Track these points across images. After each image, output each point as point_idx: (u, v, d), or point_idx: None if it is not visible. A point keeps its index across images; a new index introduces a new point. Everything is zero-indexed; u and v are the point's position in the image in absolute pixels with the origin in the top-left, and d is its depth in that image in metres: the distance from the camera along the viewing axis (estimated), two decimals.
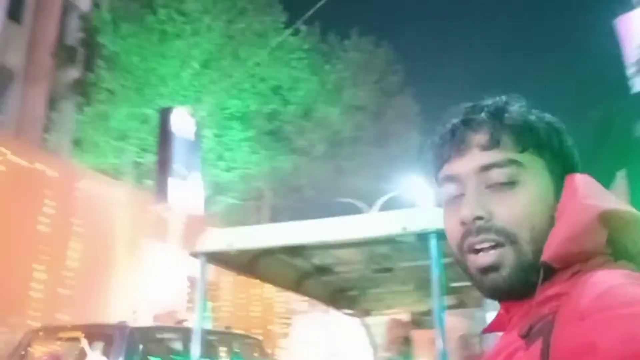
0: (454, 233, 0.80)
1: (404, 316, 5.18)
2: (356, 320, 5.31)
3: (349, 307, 5.04)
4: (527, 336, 0.69)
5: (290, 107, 15.35)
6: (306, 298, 15.07)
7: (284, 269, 3.93)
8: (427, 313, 5.14)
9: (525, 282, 0.74)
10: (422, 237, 2.57)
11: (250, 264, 3.56)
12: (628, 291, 0.60)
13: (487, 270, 0.76)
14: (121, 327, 5.31)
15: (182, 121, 11.71)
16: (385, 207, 17.36)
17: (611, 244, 0.72)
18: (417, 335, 4.50)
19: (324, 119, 16.05)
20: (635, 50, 16.51)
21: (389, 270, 4.21)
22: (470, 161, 0.80)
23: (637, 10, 17.19)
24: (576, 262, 0.71)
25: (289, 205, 16.72)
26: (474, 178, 0.79)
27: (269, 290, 14.24)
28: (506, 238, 0.75)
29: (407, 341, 4.28)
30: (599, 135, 14.20)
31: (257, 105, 14.76)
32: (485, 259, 0.76)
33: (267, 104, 14.96)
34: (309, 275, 4.30)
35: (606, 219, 0.71)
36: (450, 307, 5.51)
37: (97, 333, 5.55)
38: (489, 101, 0.84)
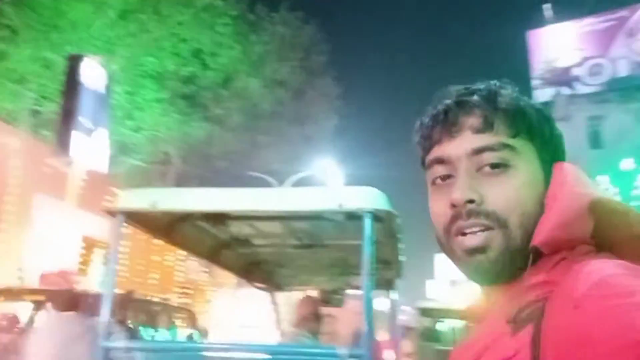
0: (442, 216, 0.78)
1: (314, 293, 5.24)
2: (267, 295, 5.29)
3: (261, 281, 5.01)
4: (515, 322, 0.68)
5: (209, 73, 14.86)
6: (206, 269, 14.88)
7: (203, 237, 3.80)
8: (337, 291, 5.25)
9: (511, 266, 0.74)
10: (358, 216, 2.57)
11: (169, 228, 3.39)
12: (624, 281, 0.60)
13: (474, 251, 0.75)
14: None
15: (92, 72, 10.91)
16: (295, 186, 17.44)
17: (594, 235, 0.73)
18: (328, 312, 4.56)
19: (244, 90, 15.73)
20: (541, 64, 17.80)
21: (307, 247, 4.21)
22: (462, 143, 0.78)
23: (548, 27, 18.51)
24: (563, 249, 0.72)
25: (198, 174, 16.26)
26: (466, 161, 0.77)
27: (169, 258, 13.84)
28: (496, 222, 0.74)
29: (316, 318, 4.30)
30: None
31: (175, 67, 14.14)
32: (473, 240, 0.74)
33: (186, 67, 14.37)
34: (226, 245, 4.20)
35: (594, 208, 0.71)
36: (354, 287, 5.68)
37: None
38: (481, 85, 0.83)
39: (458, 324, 10.37)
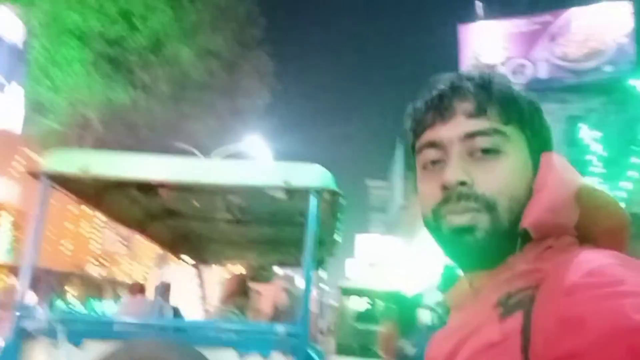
0: (432, 198, 0.79)
1: (242, 269, 5.19)
2: (193, 269, 5.17)
3: (189, 255, 4.89)
4: (503, 307, 0.69)
5: (138, 37, 14.10)
6: (125, 241, 14.32)
7: (134, 206, 3.63)
8: (265, 267, 5.23)
9: (497, 249, 0.75)
10: (303, 192, 2.55)
11: (99, 195, 3.20)
12: (614, 271, 0.62)
13: (461, 231, 0.76)
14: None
15: (9, 23, 10.05)
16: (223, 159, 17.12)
17: (578, 227, 0.75)
18: (256, 288, 4.53)
19: (174, 58, 15.09)
20: (469, 59, 18.47)
21: (240, 222, 4.15)
22: (455, 127, 0.79)
23: (479, 23, 19.20)
24: (550, 235, 0.74)
25: (119, 141, 15.51)
26: (458, 144, 0.78)
27: (85, 227, 13.17)
28: (485, 205, 0.75)
29: (244, 294, 4.27)
30: None
31: (101, 26, 13.29)
32: (461, 219, 0.76)
33: (112, 27, 13.56)
34: (156, 216, 4.04)
35: (581, 195, 0.74)
36: (281, 264, 5.69)
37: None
38: (474, 72, 0.84)
39: (378, 303, 10.70)
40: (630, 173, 7.34)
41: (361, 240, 28.40)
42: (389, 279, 17.09)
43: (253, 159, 15.50)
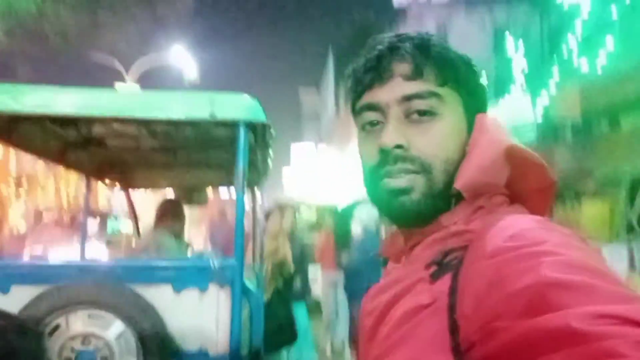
0: (370, 159, 0.82)
1: (174, 192, 5.09)
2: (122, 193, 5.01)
3: (116, 181, 4.71)
4: (434, 268, 0.72)
5: None
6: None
7: (48, 137, 3.38)
8: (199, 189, 5.16)
9: (432, 208, 0.79)
10: (231, 126, 2.45)
11: (6, 127, 2.94)
12: (536, 234, 0.64)
13: (398, 193, 0.79)
14: None
15: None
16: (145, 74, 16.25)
17: (508, 186, 0.80)
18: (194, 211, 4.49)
19: None
20: None
21: (167, 149, 4.01)
22: (393, 90, 0.81)
23: None
24: (482, 194, 0.78)
25: (27, 52, 14.24)
26: (395, 107, 0.81)
27: None
28: (421, 167, 0.78)
29: (178, 218, 4.23)
30: (358, 41, 15.44)
31: None
32: (398, 182, 0.79)
33: None
34: (75, 146, 3.80)
35: (510, 154, 0.77)
36: (214, 185, 5.63)
37: None
38: (412, 34, 0.86)
39: (312, 215, 10.99)
40: (551, 81, 7.63)
41: (296, 148, 28.57)
42: (323, 188, 17.49)
43: (177, 71, 14.79)
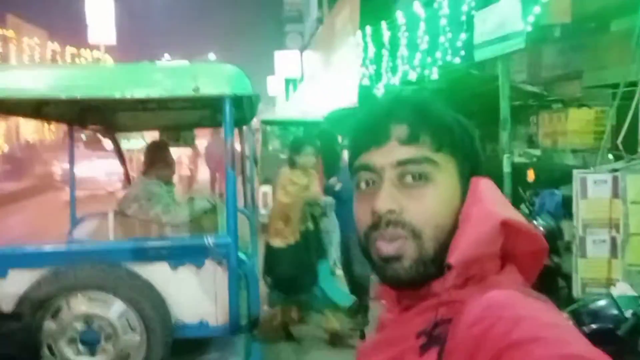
0: (363, 220, 0.84)
1: (161, 134, 4.98)
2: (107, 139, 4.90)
3: (100, 126, 4.58)
4: (425, 341, 0.75)
5: None
6: None
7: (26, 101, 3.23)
8: (182, 129, 5.06)
9: (423, 275, 0.80)
10: (216, 101, 2.36)
11: None
12: (512, 302, 0.69)
13: (389, 259, 0.80)
14: None
15: None
16: None
17: (501, 248, 0.81)
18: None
19: None
20: None
21: (151, 108, 3.88)
22: (388, 154, 0.82)
23: None
24: (475, 264, 0.79)
25: None
26: (390, 170, 0.82)
27: None
28: (411, 233, 0.80)
29: (167, 163, 4.19)
30: None
31: None
32: (389, 248, 0.80)
33: None
34: (55, 102, 3.65)
35: (505, 226, 0.79)
36: (201, 125, 5.46)
37: None
38: (409, 92, 0.89)
39: (300, 132, 10.91)
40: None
41: (280, 57, 27.60)
42: (309, 98, 17.20)
43: None
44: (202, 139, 11.52)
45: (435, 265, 0.79)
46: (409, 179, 0.81)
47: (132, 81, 2.37)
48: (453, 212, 0.81)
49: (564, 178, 5.29)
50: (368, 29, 11.76)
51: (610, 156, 5.62)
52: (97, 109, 4.23)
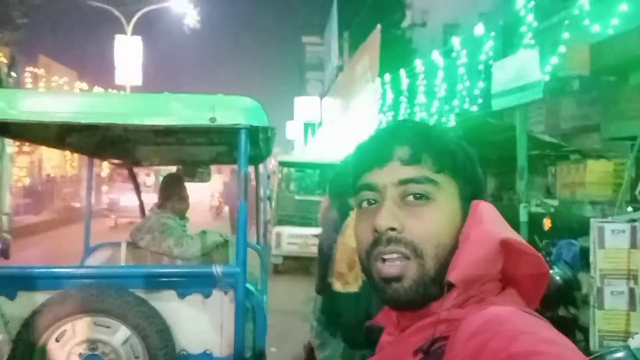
0: (365, 238, 0.84)
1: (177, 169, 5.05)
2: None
3: (118, 158, 4.68)
4: (422, 357, 0.75)
5: None
6: None
7: (47, 128, 3.33)
8: (202, 165, 5.12)
9: (424, 296, 0.81)
10: (232, 131, 2.41)
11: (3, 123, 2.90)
12: (511, 319, 0.68)
13: (390, 280, 0.81)
14: None
15: None
16: (146, 24, 15.86)
17: (502, 270, 0.82)
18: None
19: None
20: None
21: (170, 132, 3.96)
22: (391, 173, 0.83)
23: None
24: (474, 284, 0.79)
25: None
26: (391, 189, 0.83)
27: None
28: (413, 251, 0.80)
29: (181, 197, 4.23)
30: None
31: None
32: (391, 269, 0.80)
33: None
34: (76, 130, 3.76)
35: (504, 246, 0.79)
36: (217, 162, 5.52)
37: None
38: (414, 119, 0.88)
39: (315, 175, 10.99)
40: (562, 38, 7.38)
41: (299, 102, 28.14)
42: (327, 142, 17.37)
43: (178, 18, 14.34)
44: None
45: (435, 286, 0.80)
46: (410, 198, 0.82)
47: (151, 109, 2.44)
48: (454, 232, 0.82)
49: (582, 229, 5.21)
50: (387, 76, 11.98)
51: (630, 208, 5.54)
52: (116, 142, 4.34)
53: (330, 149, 14.67)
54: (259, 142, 2.81)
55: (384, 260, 0.81)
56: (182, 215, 4.22)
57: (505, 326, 0.65)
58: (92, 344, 2.37)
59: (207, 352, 2.46)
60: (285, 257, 9.21)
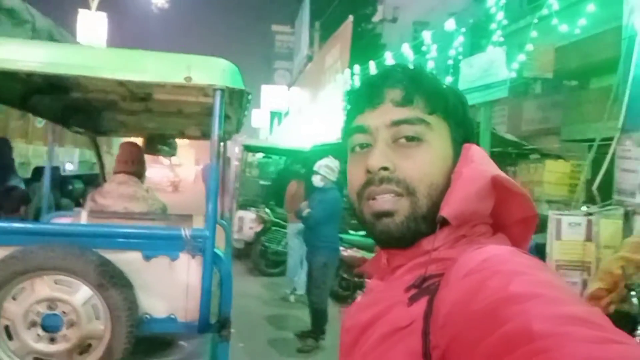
0: (357, 180, 0.85)
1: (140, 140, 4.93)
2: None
3: (83, 127, 4.53)
4: (414, 292, 0.75)
5: None
6: None
7: (9, 83, 3.19)
8: (166, 138, 5.03)
9: (415, 232, 0.81)
10: (207, 91, 2.36)
11: None
12: (507, 258, 0.68)
13: (381, 215, 0.81)
14: None
15: None
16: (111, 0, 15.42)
17: (492, 215, 0.82)
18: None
19: None
20: None
21: (137, 98, 3.85)
22: (383, 115, 0.83)
23: None
24: (466, 223, 0.80)
25: None
26: (384, 131, 0.83)
27: None
28: (405, 190, 0.80)
29: (139, 163, 4.16)
30: None
31: None
32: (382, 205, 0.81)
33: None
34: (39, 91, 3.61)
35: (494, 185, 0.80)
36: (185, 137, 5.47)
37: None
38: (406, 64, 0.90)
39: (280, 160, 10.92)
40: (533, 34, 7.53)
41: (266, 91, 27.91)
42: (293, 131, 17.32)
43: None
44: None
45: (426, 222, 0.80)
46: (402, 140, 0.82)
47: (125, 64, 2.36)
48: (446, 173, 0.82)
49: (538, 227, 5.37)
50: (357, 68, 12.02)
51: (584, 208, 5.73)
52: (82, 108, 4.19)
53: (297, 138, 14.63)
54: (234, 107, 2.76)
55: (375, 199, 0.82)
56: (139, 178, 4.20)
57: (505, 266, 0.65)
58: (52, 302, 2.29)
59: (172, 316, 2.41)
60: (247, 243, 9.12)
